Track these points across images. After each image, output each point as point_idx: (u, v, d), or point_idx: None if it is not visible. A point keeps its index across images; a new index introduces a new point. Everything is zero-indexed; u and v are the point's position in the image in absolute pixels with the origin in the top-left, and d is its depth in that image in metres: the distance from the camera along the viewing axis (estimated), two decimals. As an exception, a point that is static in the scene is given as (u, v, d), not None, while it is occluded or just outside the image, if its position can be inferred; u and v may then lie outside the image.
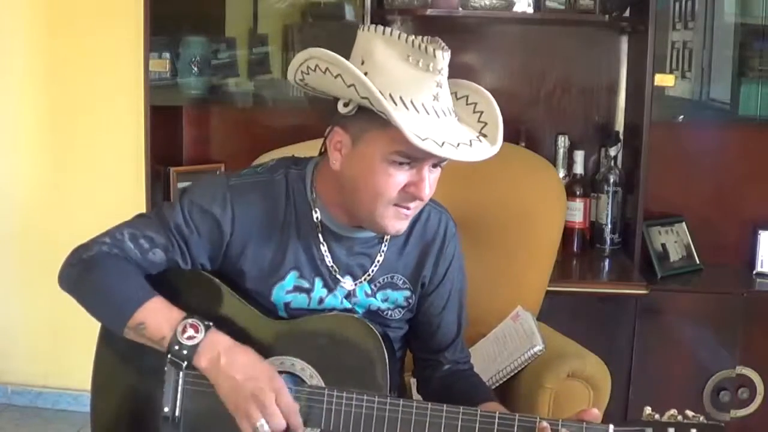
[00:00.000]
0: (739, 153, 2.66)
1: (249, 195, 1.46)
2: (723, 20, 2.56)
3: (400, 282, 1.53)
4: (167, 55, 2.57)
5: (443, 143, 1.27)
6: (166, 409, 1.41)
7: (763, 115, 2.54)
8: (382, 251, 1.51)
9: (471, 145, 1.32)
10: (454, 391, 1.57)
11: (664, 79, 2.50)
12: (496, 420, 1.35)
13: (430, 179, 1.35)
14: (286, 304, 1.49)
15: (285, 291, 1.48)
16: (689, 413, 1.31)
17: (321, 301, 1.50)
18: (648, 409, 1.32)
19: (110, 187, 2.89)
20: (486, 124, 1.37)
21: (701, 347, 2.42)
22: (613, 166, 2.60)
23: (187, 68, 2.60)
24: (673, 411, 1.32)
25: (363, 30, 1.34)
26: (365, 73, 1.28)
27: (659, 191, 2.57)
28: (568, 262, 2.53)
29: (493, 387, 1.79)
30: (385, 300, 1.53)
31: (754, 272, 2.59)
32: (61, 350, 2.98)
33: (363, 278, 1.51)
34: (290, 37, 2.66)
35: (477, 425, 1.34)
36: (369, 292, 1.52)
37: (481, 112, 1.39)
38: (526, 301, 1.96)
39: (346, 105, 1.33)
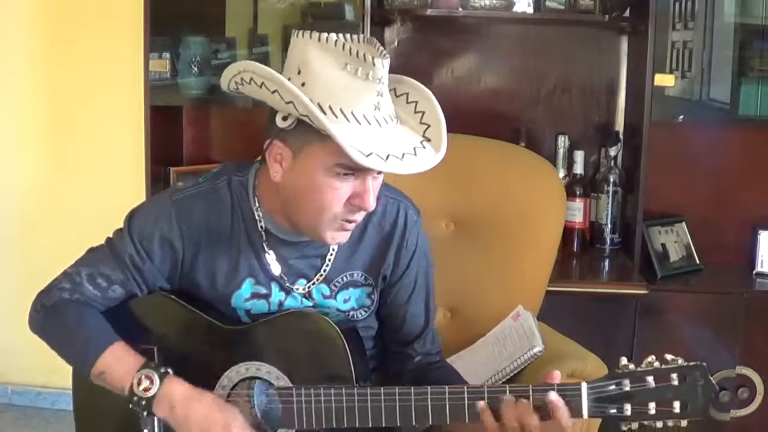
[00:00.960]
0: (739, 153, 2.65)
1: (193, 207, 1.45)
2: (723, 20, 2.55)
3: (361, 278, 1.52)
4: (167, 55, 2.56)
5: (387, 156, 1.25)
6: None
7: (763, 115, 2.54)
8: (333, 249, 1.48)
9: (416, 153, 1.29)
10: (426, 383, 1.56)
11: (664, 79, 2.50)
12: (465, 393, 1.32)
13: (374, 187, 1.33)
14: (247, 311, 1.49)
15: (243, 299, 1.48)
16: (668, 356, 1.26)
17: (281, 304, 1.49)
18: (624, 360, 1.26)
19: (110, 187, 2.89)
20: (429, 126, 1.34)
21: (701, 347, 2.42)
22: (613, 166, 2.59)
23: (187, 68, 2.60)
24: (651, 357, 1.25)
25: (297, 36, 1.32)
26: (302, 84, 1.26)
27: (659, 191, 2.57)
28: (568, 262, 2.52)
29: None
30: (346, 301, 1.51)
31: (754, 272, 2.59)
32: (61, 350, 2.98)
33: (316, 278, 1.49)
34: (290, 37, 2.66)
35: (447, 402, 1.32)
36: (327, 293, 1.50)
37: (423, 113, 1.36)
38: (526, 301, 1.96)
39: (284, 119, 1.31)
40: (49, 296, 1.48)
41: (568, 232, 2.42)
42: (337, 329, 1.42)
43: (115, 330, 1.45)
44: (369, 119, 1.27)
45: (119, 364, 1.39)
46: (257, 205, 1.45)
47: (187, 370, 1.43)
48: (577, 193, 2.58)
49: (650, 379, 1.24)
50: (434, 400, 1.33)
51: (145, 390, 1.36)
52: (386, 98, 1.30)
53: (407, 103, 1.37)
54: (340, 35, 1.28)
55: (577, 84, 2.72)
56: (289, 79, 1.28)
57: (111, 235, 1.50)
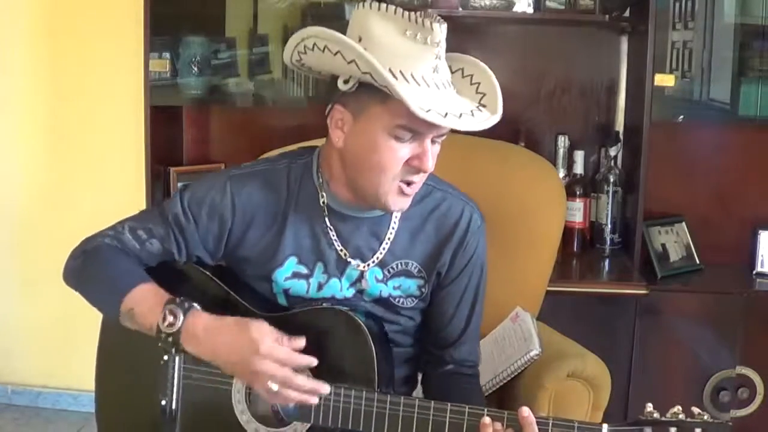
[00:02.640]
0: (739, 153, 2.66)
1: (249, 183, 1.47)
2: (723, 20, 2.55)
3: (415, 270, 1.52)
4: (167, 55, 2.56)
5: (446, 114, 1.28)
6: (163, 402, 1.41)
7: (763, 115, 2.54)
8: (392, 232, 1.49)
9: (473, 114, 1.33)
10: (450, 394, 1.54)
11: (664, 79, 2.50)
12: (485, 413, 1.33)
13: (433, 151, 1.36)
14: (286, 291, 1.49)
15: (284, 277, 1.48)
16: (695, 410, 1.25)
17: (320, 287, 1.49)
18: (650, 406, 1.26)
19: (110, 186, 2.89)
20: (485, 94, 1.38)
21: (701, 347, 2.42)
22: (613, 166, 2.60)
23: (187, 68, 2.60)
24: (677, 408, 1.25)
25: (358, 8, 1.35)
26: (364, 49, 1.29)
27: (659, 191, 2.57)
28: (568, 262, 2.52)
29: (491, 390, 1.79)
30: (397, 288, 1.52)
31: (754, 272, 2.59)
32: (62, 350, 2.98)
33: (372, 260, 1.49)
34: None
35: (465, 423, 1.33)
36: (380, 277, 1.51)
37: (479, 83, 1.40)
38: (526, 302, 1.96)
39: (346, 82, 1.34)
40: (91, 242, 1.49)
41: (568, 232, 2.42)
42: (367, 331, 1.42)
43: None
44: (428, 81, 1.31)
45: (147, 300, 1.39)
46: (320, 180, 1.47)
47: None
48: (577, 193, 2.58)
49: (673, 430, 1.24)
50: (452, 418, 1.34)
51: (170, 325, 1.35)
52: (443, 63, 1.33)
53: (463, 77, 1.41)
54: (398, 6, 1.32)
55: (577, 84, 2.72)
56: None
57: (164, 200, 1.54)
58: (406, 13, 1.31)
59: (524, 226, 2.00)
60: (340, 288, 1.50)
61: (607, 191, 2.58)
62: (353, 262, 1.49)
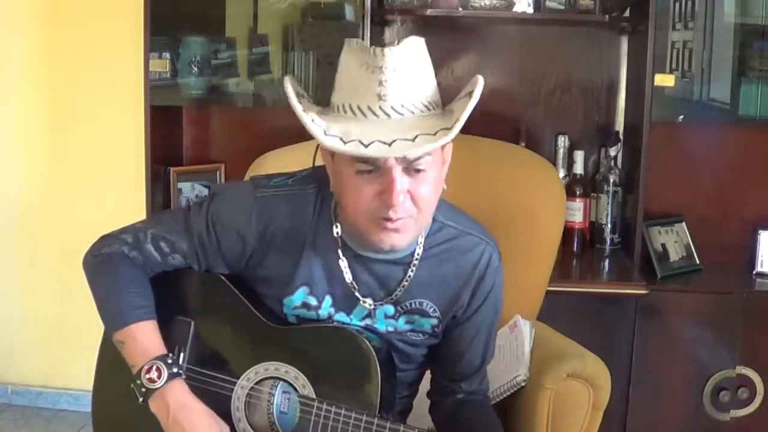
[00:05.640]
0: (739, 153, 2.65)
1: (275, 209, 1.43)
2: (723, 20, 2.55)
3: (431, 310, 1.48)
4: (167, 55, 2.56)
5: (371, 143, 1.21)
6: None
7: (763, 115, 2.54)
8: (409, 276, 1.45)
9: (414, 140, 1.22)
10: (460, 420, 1.55)
11: (664, 79, 2.50)
12: None
13: (409, 185, 1.29)
14: (296, 316, 1.48)
15: (293, 306, 1.46)
16: None
17: (329, 318, 1.47)
18: None
19: (110, 186, 2.89)
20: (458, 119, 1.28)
21: (701, 347, 2.42)
22: (613, 166, 2.60)
23: (187, 68, 2.60)
24: None
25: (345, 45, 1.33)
26: (335, 89, 1.30)
27: (659, 191, 2.57)
28: (568, 262, 2.52)
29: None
30: (409, 323, 1.49)
31: (754, 272, 2.59)
32: (61, 350, 2.98)
33: (385, 300, 1.46)
34: (290, 37, 2.66)
35: None
36: (391, 313, 1.47)
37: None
38: (525, 302, 1.96)
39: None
40: (110, 244, 1.47)
41: (568, 232, 2.42)
42: (375, 355, 1.41)
43: (159, 295, 1.46)
44: (375, 110, 1.25)
45: (141, 343, 1.40)
46: (337, 212, 1.43)
47: (216, 353, 1.45)
48: (577, 193, 2.58)
49: None
50: None
51: (150, 380, 1.37)
52: (394, 88, 1.25)
53: (463, 98, 1.33)
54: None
55: (577, 84, 2.72)
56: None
57: (190, 205, 1.51)
58: (371, 47, 1.26)
59: (524, 227, 2.00)
60: (349, 322, 1.48)
61: (607, 191, 2.58)
62: (363, 299, 1.46)
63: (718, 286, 2.49)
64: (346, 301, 1.46)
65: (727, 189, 2.66)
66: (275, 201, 1.44)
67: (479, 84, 1.29)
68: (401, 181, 1.27)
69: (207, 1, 2.67)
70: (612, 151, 2.60)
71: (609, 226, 2.58)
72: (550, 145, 2.66)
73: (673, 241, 2.61)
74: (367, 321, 1.48)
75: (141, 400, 1.38)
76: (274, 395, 1.44)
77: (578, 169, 2.61)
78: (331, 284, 1.45)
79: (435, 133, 1.23)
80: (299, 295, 1.45)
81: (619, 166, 2.61)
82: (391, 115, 1.25)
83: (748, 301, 2.42)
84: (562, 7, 2.50)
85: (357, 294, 1.45)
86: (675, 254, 2.59)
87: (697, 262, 2.62)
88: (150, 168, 2.54)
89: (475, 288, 1.48)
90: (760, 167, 2.64)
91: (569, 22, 2.60)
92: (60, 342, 2.98)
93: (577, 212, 2.57)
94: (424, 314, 1.48)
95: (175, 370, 1.39)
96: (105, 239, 1.50)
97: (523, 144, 2.58)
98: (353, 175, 1.29)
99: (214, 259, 1.47)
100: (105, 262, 1.46)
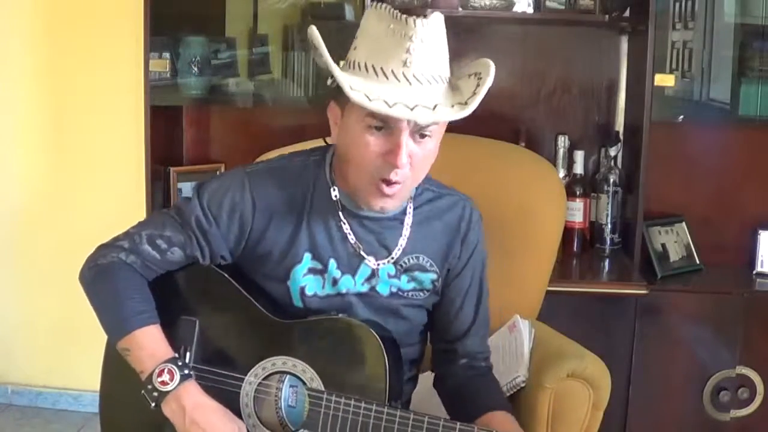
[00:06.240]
0: (739, 153, 2.66)
1: (267, 180, 1.48)
2: (723, 20, 2.55)
3: (428, 264, 1.53)
4: (167, 55, 2.56)
5: (395, 104, 1.29)
6: None
7: (763, 115, 2.54)
8: (404, 234, 1.51)
9: (434, 109, 1.32)
10: (465, 392, 1.57)
11: (664, 79, 2.50)
12: None
13: (412, 148, 1.35)
14: (302, 289, 1.48)
15: (301, 274, 1.48)
16: None
17: (335, 282, 1.49)
18: None
19: (110, 187, 2.89)
20: (474, 94, 1.36)
21: (701, 347, 2.42)
22: (613, 166, 2.60)
23: (187, 68, 2.60)
24: None
25: (368, 8, 1.42)
26: (355, 47, 1.35)
27: (659, 191, 2.57)
28: (568, 262, 2.52)
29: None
30: (410, 281, 1.53)
31: (754, 272, 2.59)
32: (62, 350, 2.98)
33: (387, 260, 1.51)
34: (290, 37, 2.66)
35: None
36: (392, 273, 1.51)
37: (478, 84, 1.39)
38: (525, 302, 1.96)
39: (331, 78, 1.36)
40: (106, 253, 1.47)
41: (568, 232, 2.42)
42: (381, 344, 1.42)
43: (162, 296, 1.46)
44: (396, 74, 1.31)
45: (148, 347, 1.40)
46: (332, 176, 1.49)
47: (223, 350, 1.46)
48: (577, 193, 2.58)
49: None
50: None
51: (162, 383, 1.37)
52: (419, 57, 1.32)
53: (469, 77, 1.41)
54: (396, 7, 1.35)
55: (577, 84, 2.72)
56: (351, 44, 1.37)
57: (179, 204, 1.52)
58: (397, 12, 1.33)
59: (524, 227, 2.00)
60: (354, 284, 1.50)
61: (607, 191, 2.58)
62: (368, 258, 1.49)
63: (718, 286, 2.49)
64: (350, 263, 1.49)
65: (727, 189, 2.66)
66: (265, 174, 1.49)
67: (491, 67, 1.38)
68: (408, 144, 1.34)
69: (207, 1, 2.67)
70: (612, 151, 2.60)
71: (609, 226, 2.58)
72: (550, 145, 2.66)
73: (673, 241, 2.60)
74: (372, 282, 1.50)
75: (153, 405, 1.38)
76: (281, 389, 1.45)
77: (578, 169, 2.61)
78: (334, 247, 1.48)
79: (452, 106, 1.33)
80: (306, 262, 1.48)
81: (619, 166, 2.61)
82: (412, 83, 1.32)
83: (748, 301, 2.42)
84: (562, 7, 2.50)
85: (362, 253, 1.49)
86: (675, 254, 2.59)
87: (697, 262, 2.62)
88: (150, 168, 2.54)
89: (464, 239, 1.56)
90: (760, 167, 2.64)
91: (569, 22, 2.60)
92: (60, 342, 2.97)
93: (577, 212, 2.57)
94: (423, 269, 1.53)
95: (186, 371, 1.39)
96: (100, 249, 1.49)
97: (523, 144, 2.58)
98: (363, 130, 1.35)
99: (216, 242, 1.47)
100: (101, 273, 1.46)
